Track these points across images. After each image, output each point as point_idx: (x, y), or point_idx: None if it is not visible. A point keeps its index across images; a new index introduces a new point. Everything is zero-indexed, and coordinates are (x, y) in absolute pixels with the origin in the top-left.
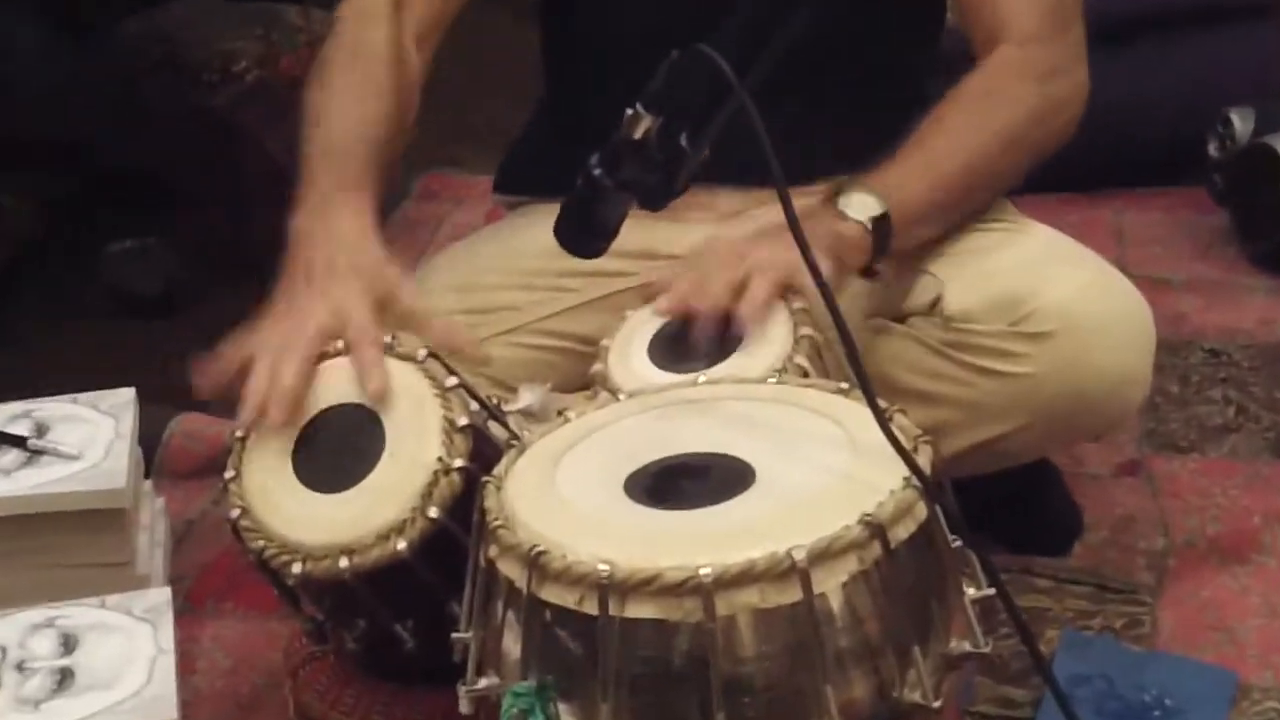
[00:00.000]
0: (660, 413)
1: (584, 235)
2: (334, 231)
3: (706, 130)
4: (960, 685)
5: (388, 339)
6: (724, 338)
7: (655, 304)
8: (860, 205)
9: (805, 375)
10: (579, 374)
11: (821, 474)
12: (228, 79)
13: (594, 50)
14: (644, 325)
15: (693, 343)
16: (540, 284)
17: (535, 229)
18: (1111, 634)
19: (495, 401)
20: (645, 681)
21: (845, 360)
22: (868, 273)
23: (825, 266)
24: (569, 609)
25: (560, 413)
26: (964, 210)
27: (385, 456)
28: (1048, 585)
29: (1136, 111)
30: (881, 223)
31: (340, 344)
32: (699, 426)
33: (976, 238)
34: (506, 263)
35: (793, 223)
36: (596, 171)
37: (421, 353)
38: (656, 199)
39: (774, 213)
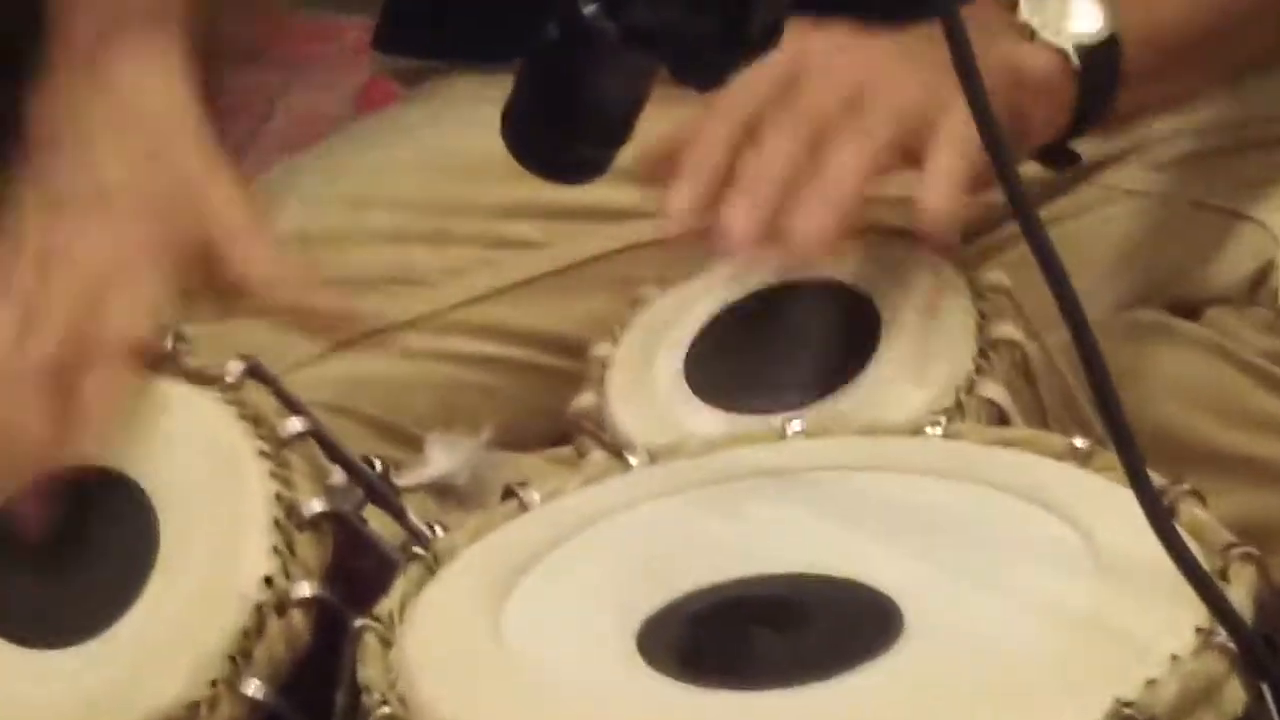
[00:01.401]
0: (712, 495)
1: (564, 137)
2: (112, 102)
3: None
4: None
5: (170, 341)
6: (842, 341)
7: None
8: (1067, 18)
9: (1002, 420)
10: (546, 412)
11: (1036, 619)
12: None
13: None
14: (681, 317)
15: (778, 345)
16: (467, 232)
17: (457, 124)
18: None
19: (380, 468)
20: None
21: (1082, 388)
22: (1055, 155)
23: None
24: None
25: (510, 491)
26: (1252, 43)
27: (157, 575)
28: None
29: None
30: (1104, 54)
31: None
32: (790, 524)
33: None
34: (400, 189)
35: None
36: (590, 9)
37: (234, 368)
38: (713, 66)
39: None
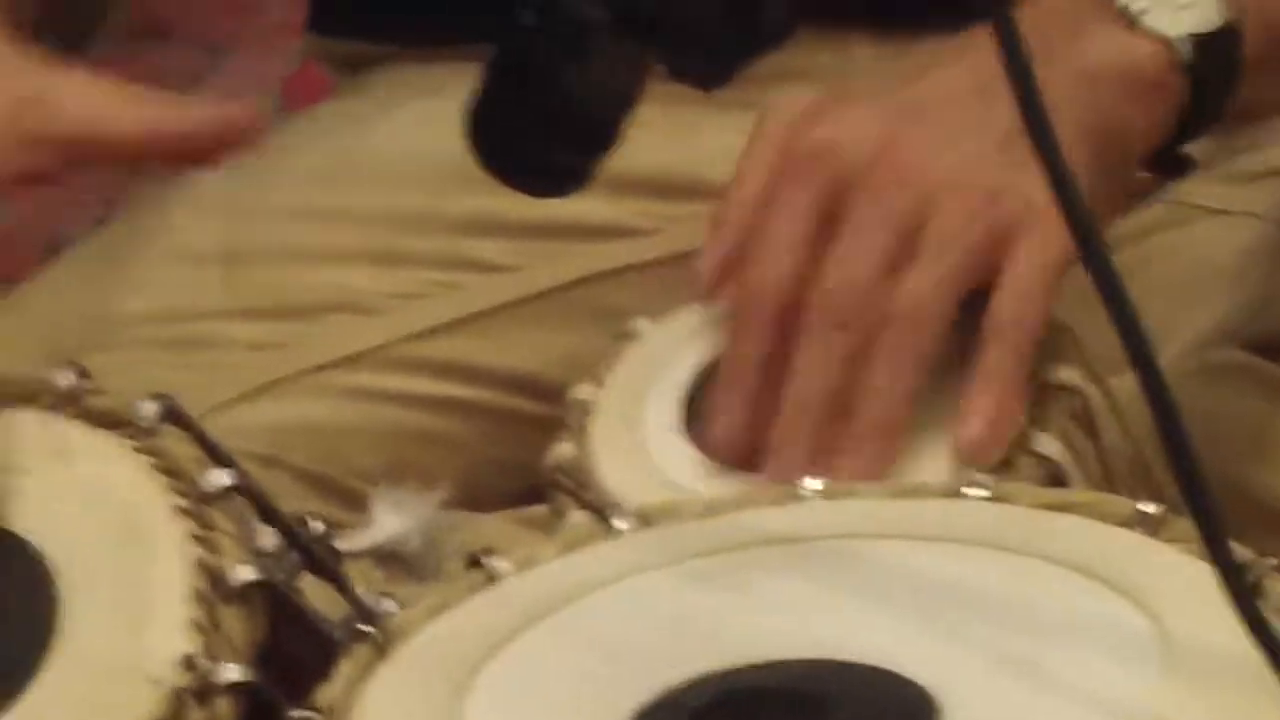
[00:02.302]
0: (714, 567)
1: (541, 142)
2: None
3: None
4: None
5: (70, 377)
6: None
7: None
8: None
9: (1057, 480)
10: (512, 465)
11: (1097, 717)
12: None
13: None
14: (677, 355)
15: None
16: (421, 252)
17: (409, 122)
18: None
19: (319, 530)
20: None
21: (1153, 443)
22: (1166, 163)
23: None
24: None
25: (476, 560)
26: None
27: (55, 655)
28: None
29: None
30: (1220, 44)
31: None
32: (805, 601)
33: None
34: (341, 200)
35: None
36: None
37: (148, 410)
38: (718, 60)
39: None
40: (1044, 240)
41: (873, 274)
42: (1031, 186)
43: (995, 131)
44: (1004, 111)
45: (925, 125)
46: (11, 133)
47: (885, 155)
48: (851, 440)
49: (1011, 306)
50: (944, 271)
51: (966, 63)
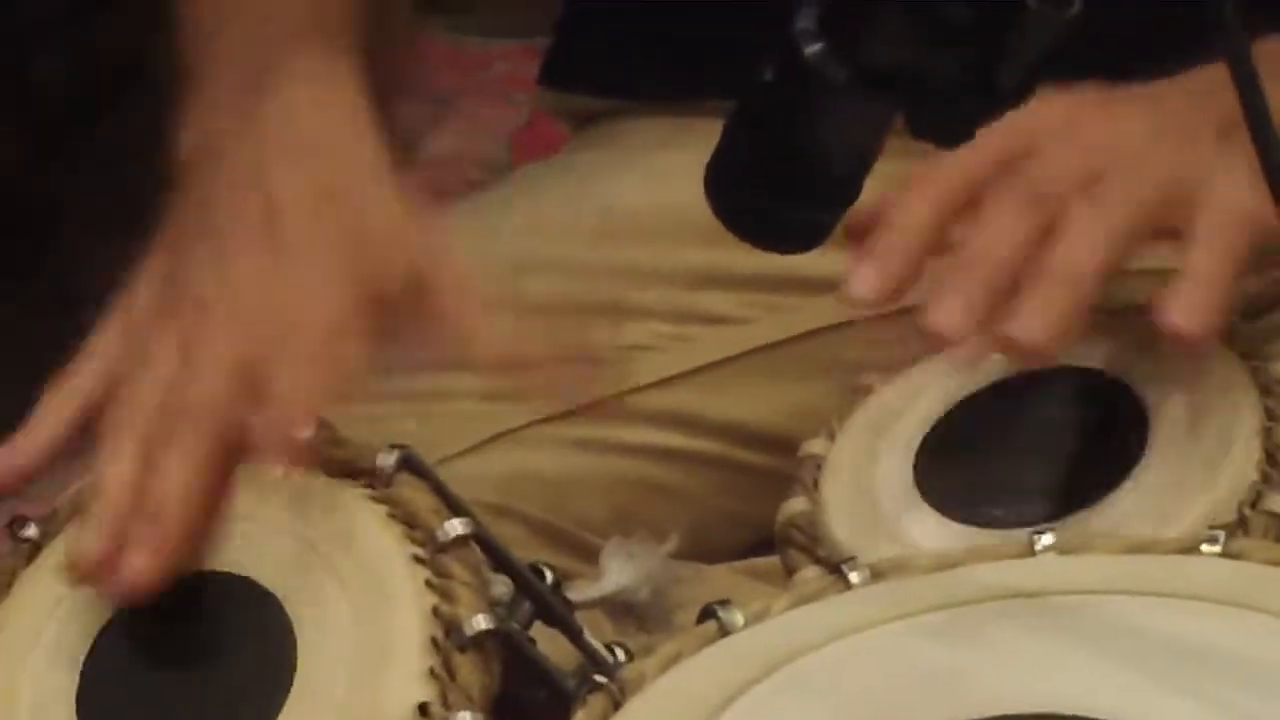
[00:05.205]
0: (948, 621)
1: (782, 198)
2: (286, 130)
3: None
4: None
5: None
6: (1100, 441)
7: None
8: None
9: None
10: (741, 518)
11: None
12: None
13: None
14: (908, 410)
15: (1025, 445)
16: (650, 304)
17: (641, 176)
18: None
19: (550, 580)
20: None
21: None
22: None
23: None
24: None
25: (710, 611)
26: None
27: (293, 702)
28: None
29: None
30: None
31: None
32: (1041, 656)
33: None
34: (571, 251)
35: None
36: (813, 48)
37: (386, 461)
38: (957, 117)
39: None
40: (1230, 199)
41: (1069, 177)
42: (1224, 181)
43: (1200, 134)
44: (1208, 126)
45: (1136, 113)
46: (354, 273)
47: (1089, 120)
48: (1027, 293)
49: (1208, 222)
50: (1133, 187)
51: (1184, 88)
